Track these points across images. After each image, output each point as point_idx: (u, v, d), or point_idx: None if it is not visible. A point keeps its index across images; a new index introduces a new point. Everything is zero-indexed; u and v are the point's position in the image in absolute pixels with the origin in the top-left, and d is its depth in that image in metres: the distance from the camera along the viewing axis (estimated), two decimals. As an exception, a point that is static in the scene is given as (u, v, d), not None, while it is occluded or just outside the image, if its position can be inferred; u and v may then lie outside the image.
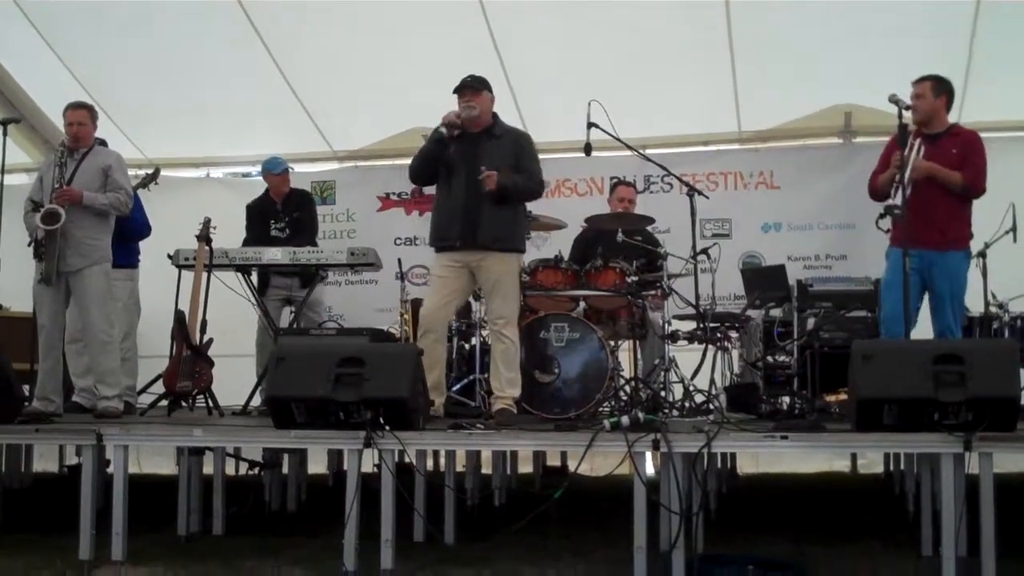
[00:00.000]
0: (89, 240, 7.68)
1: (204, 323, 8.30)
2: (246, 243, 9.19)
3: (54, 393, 7.68)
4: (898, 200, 6.89)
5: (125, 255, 8.69)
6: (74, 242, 7.60)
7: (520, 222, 7.46)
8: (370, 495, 5.83)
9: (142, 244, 9.05)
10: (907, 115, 6.84)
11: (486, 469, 7.99)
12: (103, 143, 8.73)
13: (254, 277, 8.97)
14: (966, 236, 7.42)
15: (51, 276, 7.56)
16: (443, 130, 7.15)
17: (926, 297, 7.35)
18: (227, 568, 6.06)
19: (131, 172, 8.51)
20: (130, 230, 8.65)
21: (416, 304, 8.93)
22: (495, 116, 7.41)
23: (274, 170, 9.65)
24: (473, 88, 7.26)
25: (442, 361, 7.36)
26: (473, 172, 7.14)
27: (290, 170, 9.88)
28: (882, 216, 7.03)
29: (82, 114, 7.91)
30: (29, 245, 7.76)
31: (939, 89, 7.32)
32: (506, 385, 7.13)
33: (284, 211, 9.51)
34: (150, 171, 9.25)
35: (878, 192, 7.44)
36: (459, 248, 7.17)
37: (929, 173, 7.12)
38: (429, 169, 7.35)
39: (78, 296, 7.69)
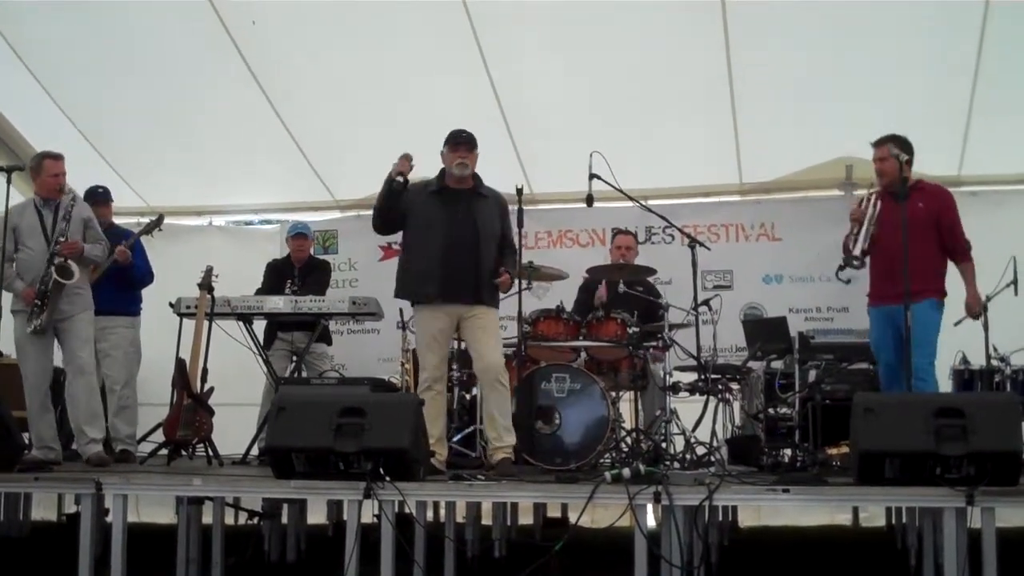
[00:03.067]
0: (77, 289, 7.80)
1: (205, 372, 8.30)
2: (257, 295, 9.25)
3: (53, 441, 7.71)
4: (857, 251, 6.95)
5: (127, 303, 8.73)
6: (65, 291, 7.66)
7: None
8: (370, 546, 5.81)
9: (144, 292, 9.05)
10: (907, 170, 6.89)
11: (486, 520, 7.96)
12: (105, 191, 8.80)
13: (257, 327, 8.96)
14: (935, 287, 7.38)
15: (49, 327, 7.61)
16: (399, 178, 7.20)
17: None
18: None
19: (133, 220, 8.57)
20: (134, 277, 8.69)
21: (417, 354, 8.96)
22: (475, 174, 7.44)
23: (289, 233, 9.95)
24: (469, 145, 7.32)
25: (444, 413, 7.36)
26: (465, 228, 7.24)
27: (308, 236, 10.05)
28: (841, 268, 7.11)
29: (64, 164, 8.00)
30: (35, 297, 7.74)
31: (902, 149, 7.32)
32: (504, 433, 7.13)
33: (300, 274, 9.61)
34: (153, 218, 9.26)
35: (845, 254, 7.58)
36: (453, 301, 7.19)
37: (979, 306, 7.52)
38: (393, 216, 7.41)
39: (69, 342, 7.78)
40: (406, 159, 7.21)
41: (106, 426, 8.20)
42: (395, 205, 7.31)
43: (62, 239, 7.71)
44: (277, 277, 9.61)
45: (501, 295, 7.48)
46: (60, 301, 7.66)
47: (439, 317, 7.24)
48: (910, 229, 7.02)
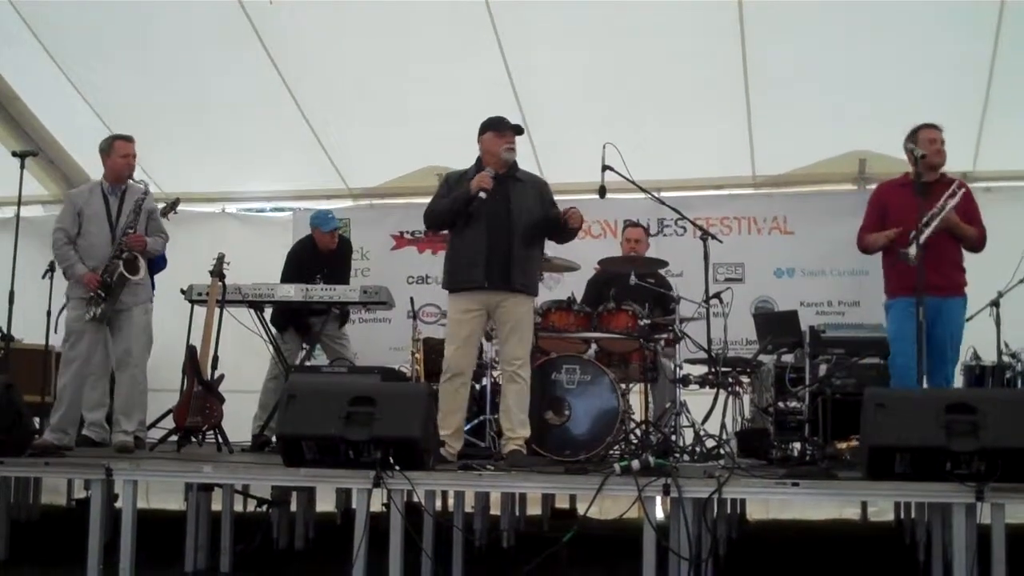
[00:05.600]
0: (140, 280, 7.75)
1: (216, 359, 8.31)
2: None
3: (71, 426, 7.72)
4: (912, 250, 6.86)
5: (140, 288, 8.72)
6: (128, 284, 7.67)
7: (539, 266, 7.52)
8: (378, 535, 5.81)
9: (156, 278, 9.05)
10: (921, 164, 6.88)
11: (495, 510, 7.96)
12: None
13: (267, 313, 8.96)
14: (963, 283, 7.39)
15: (106, 317, 7.61)
16: (482, 195, 7.01)
17: None
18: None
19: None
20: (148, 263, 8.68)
21: (428, 343, 8.96)
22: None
23: (323, 227, 9.57)
24: (517, 132, 7.26)
25: (464, 406, 7.28)
26: (502, 215, 7.11)
27: (338, 229, 9.78)
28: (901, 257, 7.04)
29: (134, 147, 7.95)
30: (43, 277, 7.75)
31: None
32: (518, 426, 7.07)
33: (329, 263, 9.45)
34: (170, 201, 9.24)
35: (869, 251, 7.59)
36: (485, 288, 7.09)
37: (952, 224, 7.12)
38: (452, 222, 7.26)
39: (124, 332, 7.76)
40: (486, 178, 7.05)
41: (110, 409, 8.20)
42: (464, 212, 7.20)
43: (130, 231, 7.72)
44: (303, 269, 9.38)
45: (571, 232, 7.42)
46: (122, 293, 7.69)
47: (467, 306, 7.15)
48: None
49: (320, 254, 9.54)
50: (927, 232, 6.90)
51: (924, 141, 7.23)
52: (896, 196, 7.39)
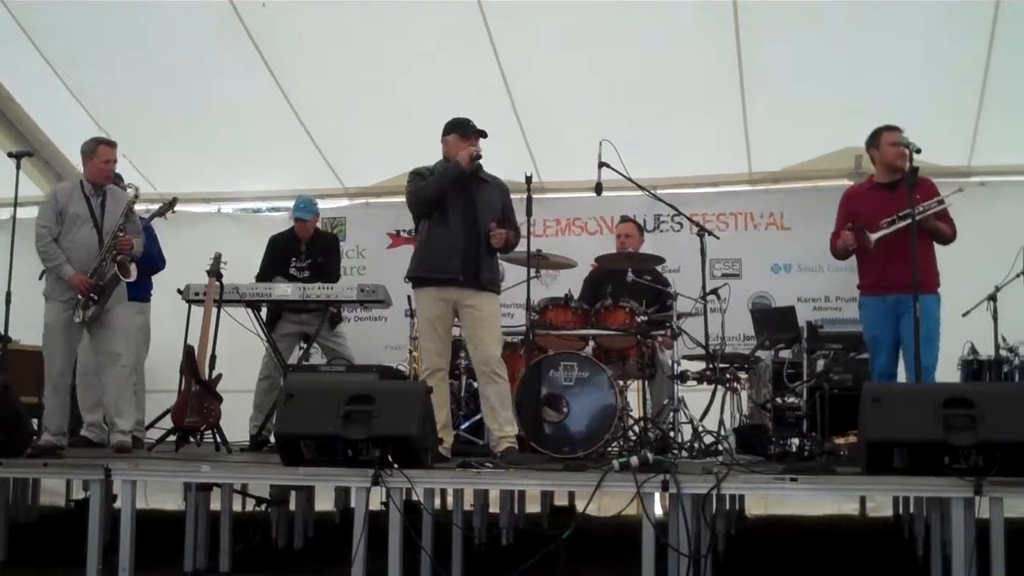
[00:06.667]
0: (129, 281, 7.81)
1: (213, 358, 8.30)
2: (261, 275, 9.20)
3: (63, 431, 7.72)
4: (875, 236, 7.06)
5: (137, 288, 8.69)
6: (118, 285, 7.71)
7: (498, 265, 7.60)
8: (377, 533, 5.81)
9: (153, 278, 9.05)
10: (917, 158, 6.87)
11: (494, 508, 7.96)
12: (119, 178, 8.78)
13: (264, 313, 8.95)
14: (936, 281, 7.36)
15: (96, 318, 7.65)
16: (477, 159, 7.14)
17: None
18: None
19: (144, 205, 8.57)
20: (145, 263, 8.66)
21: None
22: None
23: (292, 214, 9.62)
24: (481, 136, 7.30)
25: (447, 402, 7.37)
26: (469, 213, 7.21)
27: (318, 214, 9.77)
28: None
29: (116, 152, 7.97)
30: (40, 278, 7.77)
31: None
32: (505, 424, 7.13)
33: (308, 253, 9.44)
34: (167, 200, 9.20)
35: (839, 256, 7.69)
36: (458, 283, 7.15)
37: (931, 225, 7.18)
38: (439, 197, 7.26)
39: (107, 332, 7.75)
40: (472, 150, 7.17)
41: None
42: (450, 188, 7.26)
43: (121, 234, 7.72)
44: (282, 254, 9.45)
45: (502, 278, 7.51)
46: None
47: (436, 300, 7.21)
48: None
49: (298, 241, 9.51)
50: (899, 225, 6.95)
51: (886, 144, 7.28)
52: (864, 200, 7.43)
